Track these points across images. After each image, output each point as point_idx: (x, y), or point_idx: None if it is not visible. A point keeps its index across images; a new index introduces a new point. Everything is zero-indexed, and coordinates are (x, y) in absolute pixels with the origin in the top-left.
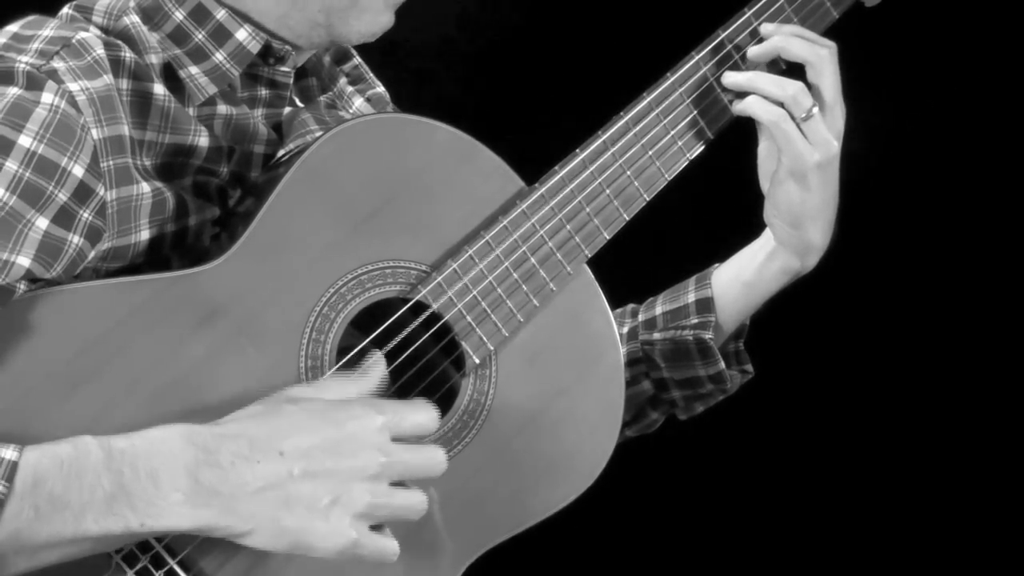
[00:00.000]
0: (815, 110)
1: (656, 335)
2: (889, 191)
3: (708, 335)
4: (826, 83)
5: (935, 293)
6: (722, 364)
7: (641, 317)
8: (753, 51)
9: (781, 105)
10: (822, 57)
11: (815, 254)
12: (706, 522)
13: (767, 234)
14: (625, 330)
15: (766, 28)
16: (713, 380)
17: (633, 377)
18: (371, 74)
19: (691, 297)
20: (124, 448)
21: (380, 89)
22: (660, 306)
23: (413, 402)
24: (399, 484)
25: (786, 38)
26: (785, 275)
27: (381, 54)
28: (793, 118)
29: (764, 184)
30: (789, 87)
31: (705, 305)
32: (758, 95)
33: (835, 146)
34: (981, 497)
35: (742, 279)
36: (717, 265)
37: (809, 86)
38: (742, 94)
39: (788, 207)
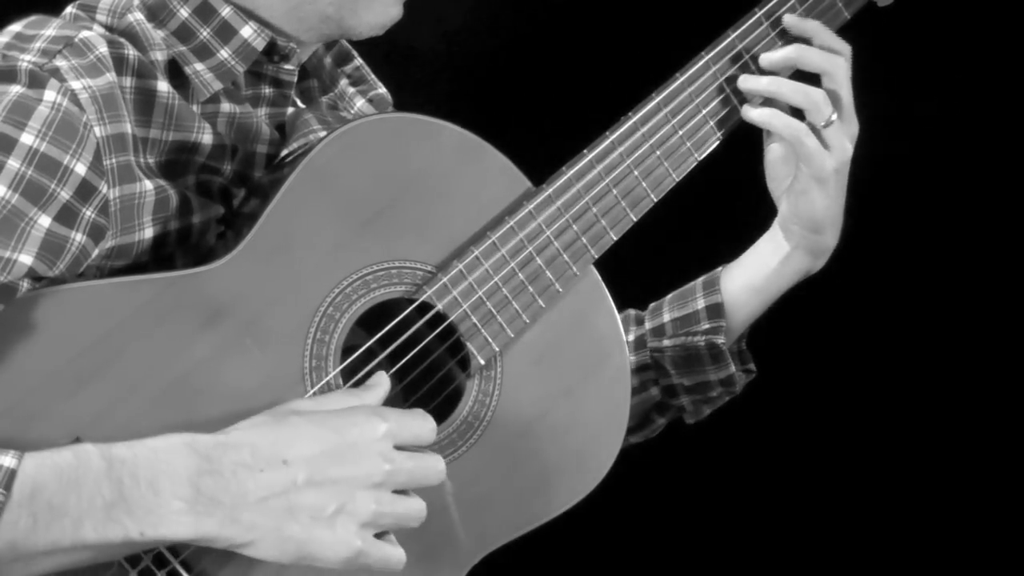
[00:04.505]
0: (834, 117)
1: (666, 342)
2: (891, 192)
3: (720, 339)
4: (843, 91)
5: (933, 293)
6: (733, 367)
7: (648, 325)
8: (768, 59)
9: (800, 114)
10: (838, 65)
11: (827, 254)
12: (709, 523)
13: (774, 237)
14: (631, 338)
15: (788, 20)
16: (723, 383)
17: (641, 384)
18: (372, 75)
19: (700, 303)
20: (125, 457)
21: (382, 90)
22: (667, 313)
23: (412, 411)
24: (399, 492)
25: (801, 48)
26: (798, 276)
27: (383, 54)
28: (812, 126)
29: (775, 188)
30: (813, 94)
31: (716, 311)
32: (777, 106)
33: (849, 150)
34: (982, 498)
35: (754, 285)
36: (723, 268)
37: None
38: (753, 95)
39: (810, 215)
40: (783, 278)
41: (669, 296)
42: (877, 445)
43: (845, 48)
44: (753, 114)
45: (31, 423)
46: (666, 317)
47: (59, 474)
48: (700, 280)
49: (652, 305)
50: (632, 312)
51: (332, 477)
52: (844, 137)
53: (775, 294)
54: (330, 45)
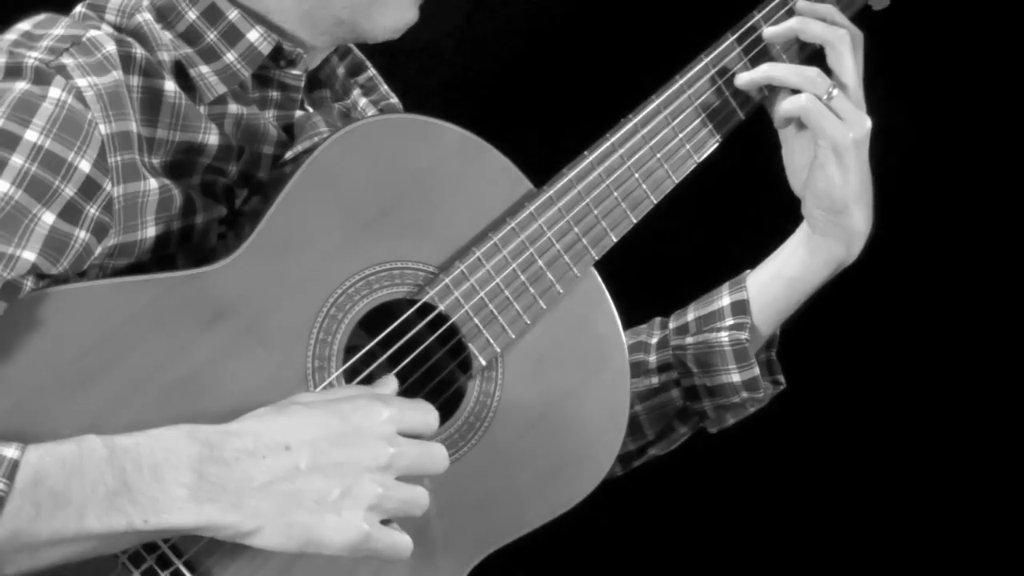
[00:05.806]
0: (835, 90)
1: (688, 339)
2: (908, 192)
3: (744, 335)
4: (846, 63)
5: (944, 297)
6: (757, 369)
7: (672, 325)
8: (771, 31)
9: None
10: (840, 37)
11: (859, 240)
12: (711, 525)
13: (803, 231)
14: (655, 340)
15: (800, 5)
16: (747, 387)
17: (662, 384)
18: (385, 85)
19: (725, 300)
20: (128, 446)
21: (394, 100)
22: (692, 313)
23: (416, 401)
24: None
25: (804, 20)
26: (830, 266)
27: (388, 56)
28: (819, 99)
29: (795, 181)
30: (806, 72)
31: (740, 307)
32: (777, 86)
33: (867, 122)
34: (999, 506)
35: (785, 276)
36: (749, 271)
37: (827, 70)
38: (750, 99)
39: (828, 193)
40: (813, 269)
41: (697, 299)
42: (889, 455)
43: (856, 32)
44: (777, 121)
45: (35, 422)
46: (690, 316)
47: (62, 463)
48: (728, 281)
49: (678, 310)
50: (657, 319)
51: (336, 460)
52: (858, 109)
53: (810, 285)
54: (344, 55)
